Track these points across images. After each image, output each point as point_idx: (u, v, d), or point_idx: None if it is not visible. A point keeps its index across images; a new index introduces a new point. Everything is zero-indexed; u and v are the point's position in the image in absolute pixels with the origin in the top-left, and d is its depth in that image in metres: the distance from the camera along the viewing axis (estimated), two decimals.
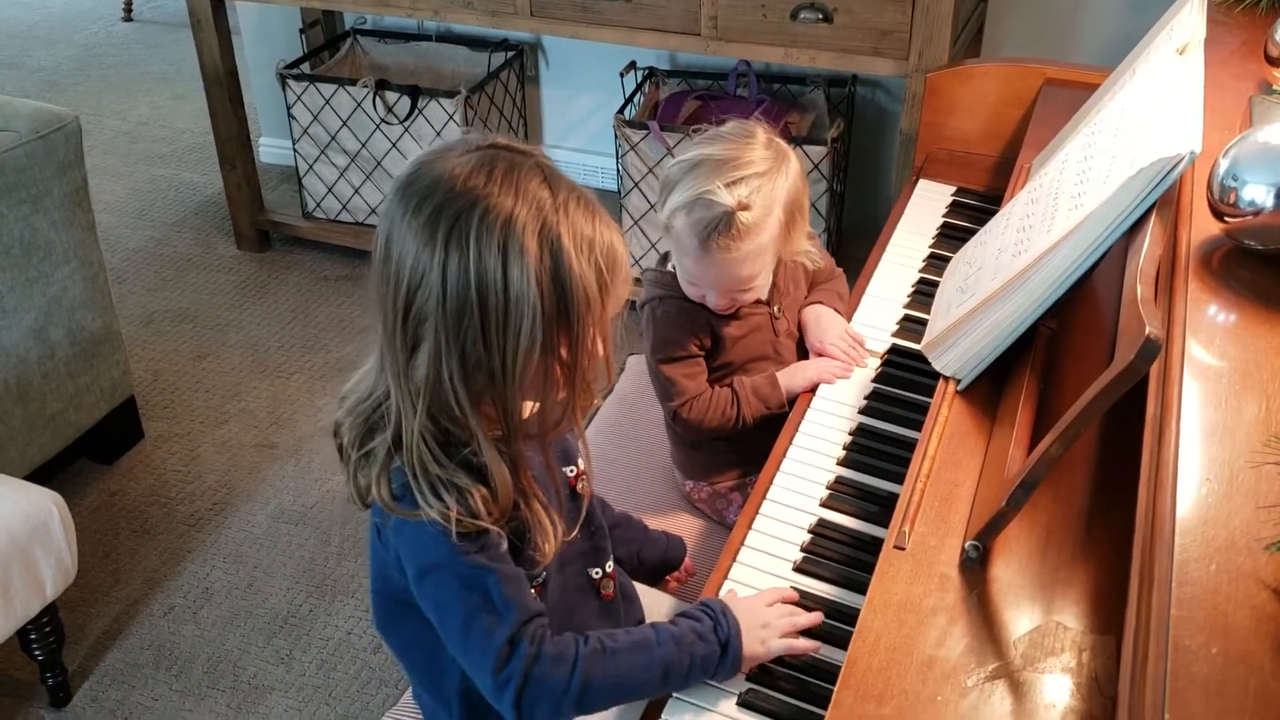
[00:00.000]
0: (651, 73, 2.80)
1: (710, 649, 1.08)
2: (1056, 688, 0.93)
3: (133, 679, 1.91)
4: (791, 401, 1.47)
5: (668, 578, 1.44)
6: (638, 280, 2.62)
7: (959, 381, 1.29)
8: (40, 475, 2.09)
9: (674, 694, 1.09)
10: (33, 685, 1.88)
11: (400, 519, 1.03)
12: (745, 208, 1.35)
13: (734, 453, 1.54)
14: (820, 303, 1.56)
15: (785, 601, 1.16)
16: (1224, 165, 1.11)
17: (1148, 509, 0.89)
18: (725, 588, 1.20)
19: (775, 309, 1.52)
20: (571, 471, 1.18)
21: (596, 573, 1.21)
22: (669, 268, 1.50)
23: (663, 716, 1.08)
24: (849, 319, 1.58)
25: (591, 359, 1.03)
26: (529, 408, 1.07)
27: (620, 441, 1.71)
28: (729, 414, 1.46)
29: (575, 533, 1.15)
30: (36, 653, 1.79)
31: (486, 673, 1.02)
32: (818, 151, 2.46)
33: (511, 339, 0.97)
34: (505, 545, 1.04)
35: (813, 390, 1.47)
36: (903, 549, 1.06)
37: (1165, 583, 0.80)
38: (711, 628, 1.09)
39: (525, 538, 1.06)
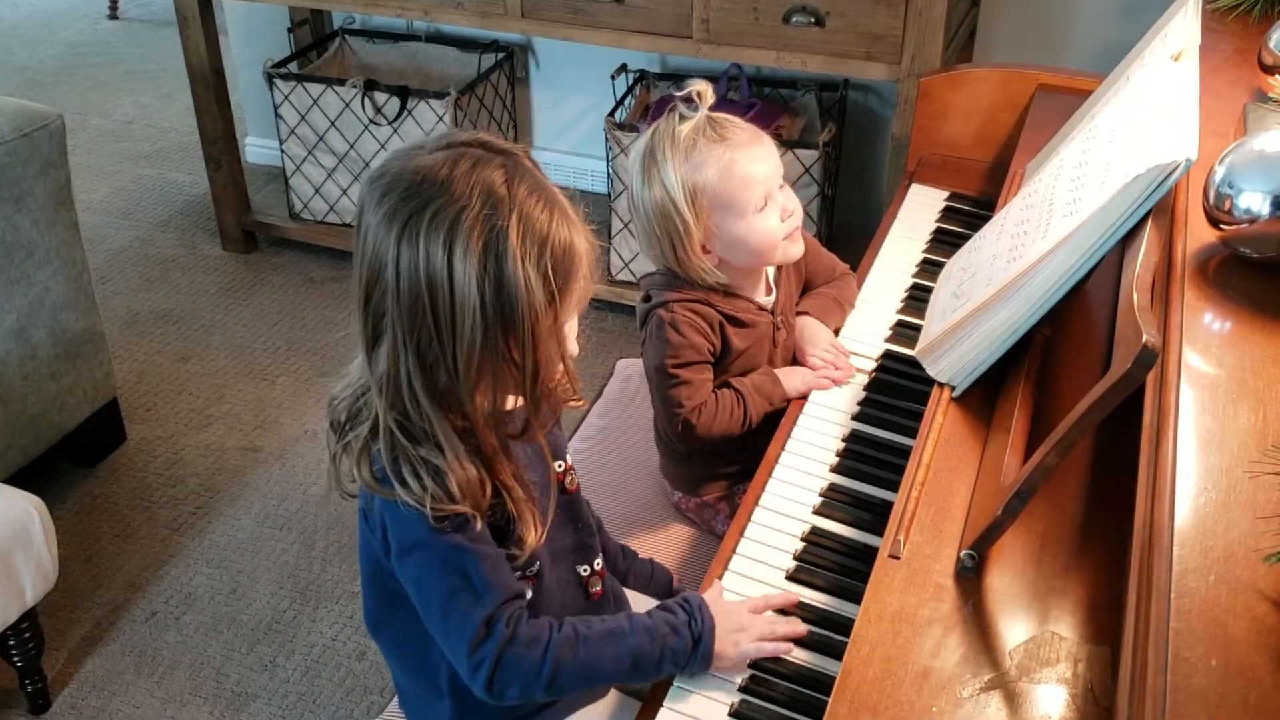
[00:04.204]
0: (642, 75, 2.79)
1: (682, 642, 1.09)
2: (1052, 699, 0.92)
3: (113, 685, 1.89)
4: (786, 403, 1.46)
5: None
6: (624, 283, 2.64)
7: (954, 388, 1.28)
8: (20, 478, 2.06)
9: (666, 705, 1.08)
10: (12, 692, 1.85)
11: (384, 498, 1.04)
12: (711, 99, 1.38)
13: (723, 465, 1.52)
14: (808, 313, 1.54)
15: (775, 608, 1.16)
16: (1220, 173, 1.10)
17: (1145, 519, 0.89)
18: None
19: (778, 319, 1.50)
20: (560, 467, 1.18)
21: (585, 570, 1.21)
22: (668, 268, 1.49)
23: None
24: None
25: (547, 363, 1.02)
26: (513, 402, 1.07)
27: (609, 446, 1.69)
28: (736, 414, 1.43)
29: (555, 527, 1.15)
30: (15, 659, 1.77)
31: (462, 652, 1.04)
32: (809, 155, 2.45)
33: (459, 337, 0.97)
34: (480, 525, 1.04)
35: (805, 396, 1.46)
36: (897, 558, 1.05)
37: (1164, 594, 0.79)
38: (686, 621, 1.10)
39: (509, 528, 1.06)
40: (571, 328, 1.06)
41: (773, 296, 1.51)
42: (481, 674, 1.04)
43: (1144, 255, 1.06)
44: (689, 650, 1.09)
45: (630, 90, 2.76)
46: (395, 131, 2.77)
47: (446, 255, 0.95)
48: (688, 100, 1.37)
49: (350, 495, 1.10)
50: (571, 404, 1.13)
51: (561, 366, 1.06)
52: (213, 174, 2.97)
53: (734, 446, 1.50)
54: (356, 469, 1.04)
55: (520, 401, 1.06)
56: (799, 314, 1.55)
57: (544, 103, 3.10)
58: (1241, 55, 1.56)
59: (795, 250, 1.45)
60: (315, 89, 2.79)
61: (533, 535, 1.06)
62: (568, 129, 3.12)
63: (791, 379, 1.47)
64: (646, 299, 1.46)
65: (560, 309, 1.01)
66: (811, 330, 1.53)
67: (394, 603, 1.13)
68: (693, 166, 1.36)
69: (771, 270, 1.51)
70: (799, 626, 1.14)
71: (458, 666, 1.07)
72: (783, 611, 1.17)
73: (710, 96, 1.39)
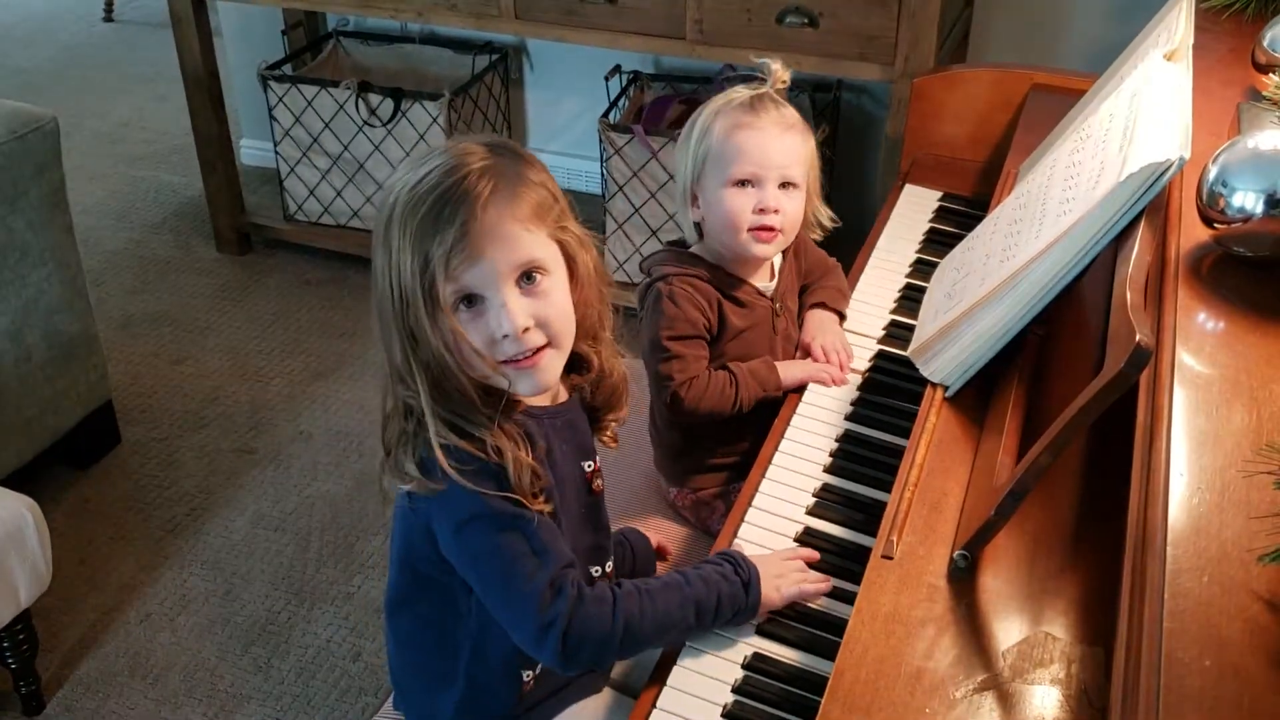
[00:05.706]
0: (636, 76, 2.79)
1: (735, 588, 1.13)
2: (1045, 699, 0.92)
3: (107, 687, 1.88)
4: (780, 393, 1.47)
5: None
6: (619, 283, 2.63)
7: (947, 388, 1.28)
8: (15, 480, 2.05)
9: (659, 706, 1.08)
10: (5, 694, 1.84)
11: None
12: (784, 82, 1.44)
13: (715, 457, 1.53)
14: (823, 305, 1.55)
15: (800, 559, 1.21)
16: (1213, 172, 1.10)
17: (1138, 519, 0.88)
18: None
19: (777, 305, 1.51)
20: (589, 467, 1.20)
21: (596, 570, 1.22)
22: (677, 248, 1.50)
23: None
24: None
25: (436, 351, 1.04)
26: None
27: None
28: (727, 394, 1.44)
29: (577, 526, 1.17)
30: (9, 661, 1.76)
31: (531, 616, 1.05)
32: None
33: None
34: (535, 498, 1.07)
35: (799, 395, 1.46)
36: (890, 558, 1.05)
37: (1157, 594, 0.79)
38: (733, 570, 1.14)
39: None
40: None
41: (774, 283, 1.51)
42: (553, 635, 1.04)
43: (1137, 254, 1.06)
44: (742, 596, 1.13)
45: (624, 91, 2.76)
46: (389, 133, 2.77)
47: (381, 250, 1.06)
48: (759, 75, 1.44)
49: (404, 483, 1.11)
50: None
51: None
52: (207, 176, 2.96)
53: (725, 436, 1.50)
54: (408, 460, 1.06)
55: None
56: (812, 307, 1.56)
57: (538, 104, 3.10)
58: (1235, 54, 1.56)
59: (759, 250, 1.44)
60: (309, 91, 2.78)
61: (538, 505, 1.07)
62: (562, 130, 3.11)
63: (790, 369, 1.48)
64: (648, 274, 1.48)
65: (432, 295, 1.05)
66: (819, 322, 1.53)
67: (423, 585, 1.15)
68: (715, 117, 1.42)
69: (778, 259, 1.52)
70: (824, 581, 1.19)
71: (523, 635, 1.07)
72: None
73: (781, 79, 1.44)
